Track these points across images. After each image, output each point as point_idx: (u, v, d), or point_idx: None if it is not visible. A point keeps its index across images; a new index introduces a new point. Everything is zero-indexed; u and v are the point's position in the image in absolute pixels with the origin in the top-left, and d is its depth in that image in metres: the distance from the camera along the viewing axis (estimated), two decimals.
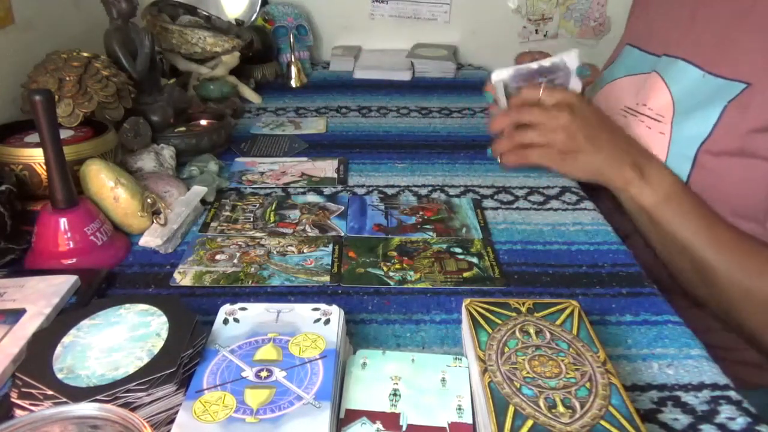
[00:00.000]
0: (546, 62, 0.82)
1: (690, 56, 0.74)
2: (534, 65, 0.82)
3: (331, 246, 0.69)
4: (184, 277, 0.63)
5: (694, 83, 0.72)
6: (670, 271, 0.73)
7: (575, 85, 0.81)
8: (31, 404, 0.41)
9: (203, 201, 0.78)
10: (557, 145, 0.75)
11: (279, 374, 0.45)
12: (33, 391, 0.42)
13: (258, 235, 0.71)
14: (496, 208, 0.79)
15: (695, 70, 0.73)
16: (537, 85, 0.78)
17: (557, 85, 0.82)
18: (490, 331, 0.49)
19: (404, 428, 0.43)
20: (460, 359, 0.49)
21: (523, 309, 0.52)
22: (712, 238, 0.67)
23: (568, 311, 0.52)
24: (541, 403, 0.42)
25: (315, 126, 1.07)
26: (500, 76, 0.82)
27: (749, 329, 0.66)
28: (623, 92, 0.85)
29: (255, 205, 0.78)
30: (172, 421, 0.42)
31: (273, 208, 0.78)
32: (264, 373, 0.45)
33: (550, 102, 0.76)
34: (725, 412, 0.47)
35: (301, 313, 0.51)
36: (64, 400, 0.40)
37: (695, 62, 0.73)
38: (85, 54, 0.81)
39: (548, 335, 0.49)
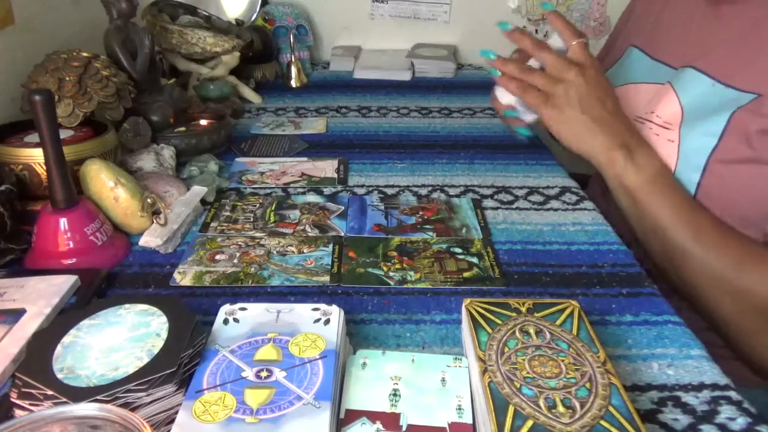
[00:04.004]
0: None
1: (702, 65, 0.73)
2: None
3: (331, 246, 0.69)
4: (184, 277, 0.63)
5: (703, 92, 0.72)
6: (645, 250, 0.73)
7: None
8: (31, 404, 0.41)
9: (203, 201, 0.78)
10: (553, 97, 0.74)
11: (279, 374, 0.45)
12: (33, 391, 0.42)
13: (258, 235, 0.71)
14: (496, 208, 0.79)
15: (706, 78, 0.72)
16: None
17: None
18: (490, 331, 0.49)
19: (404, 428, 0.43)
20: (460, 359, 0.49)
21: (523, 309, 0.52)
22: (691, 224, 0.67)
23: (568, 311, 0.52)
24: (541, 403, 0.42)
25: (315, 126, 1.07)
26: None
27: (719, 317, 0.66)
28: (631, 100, 0.84)
29: (255, 205, 0.78)
30: (172, 421, 0.42)
31: (273, 208, 0.78)
32: (264, 373, 0.45)
33: (570, 56, 0.75)
34: (725, 412, 0.47)
35: (301, 313, 0.51)
36: (64, 400, 0.40)
37: (706, 71, 0.72)
38: (85, 54, 0.81)
39: (548, 335, 0.49)
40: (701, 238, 0.66)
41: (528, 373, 0.45)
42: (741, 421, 0.46)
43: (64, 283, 0.59)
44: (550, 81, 0.75)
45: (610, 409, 0.42)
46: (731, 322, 0.65)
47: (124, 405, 0.41)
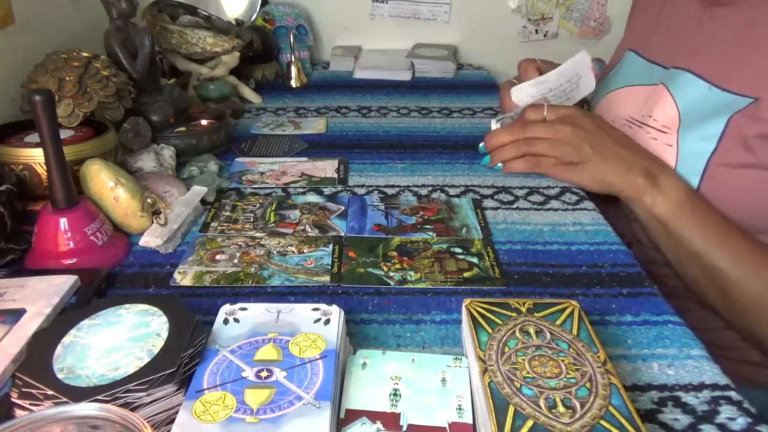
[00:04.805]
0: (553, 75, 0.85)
1: (697, 69, 0.73)
2: (547, 89, 0.84)
3: (331, 246, 0.69)
4: (184, 277, 0.63)
5: (700, 96, 0.72)
6: (683, 280, 0.72)
7: (588, 85, 0.85)
8: (31, 404, 0.41)
9: (203, 201, 0.78)
10: (565, 157, 0.76)
11: (279, 374, 0.45)
12: (33, 391, 0.42)
13: (258, 235, 0.71)
14: (496, 208, 0.79)
15: (702, 82, 0.72)
16: (539, 106, 0.80)
17: (565, 91, 0.84)
18: (490, 331, 0.49)
19: (404, 428, 0.43)
20: (460, 359, 0.49)
21: (523, 309, 0.52)
22: (725, 246, 0.66)
23: (568, 311, 0.52)
24: (541, 403, 0.42)
25: (315, 126, 1.07)
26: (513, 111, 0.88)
27: (762, 337, 0.65)
28: (628, 102, 0.84)
29: (255, 205, 0.78)
30: (172, 421, 0.42)
31: (273, 208, 0.77)
32: (264, 373, 0.45)
33: (552, 118, 0.77)
34: (725, 412, 0.47)
35: (301, 313, 0.51)
36: (64, 400, 0.40)
37: (702, 75, 0.72)
38: (85, 54, 0.81)
39: (548, 335, 0.49)
40: (736, 259, 0.65)
41: (528, 373, 0.45)
42: (741, 421, 0.46)
43: (64, 283, 0.59)
44: (554, 146, 0.77)
45: (610, 409, 0.42)
46: None
47: (125, 405, 0.41)
